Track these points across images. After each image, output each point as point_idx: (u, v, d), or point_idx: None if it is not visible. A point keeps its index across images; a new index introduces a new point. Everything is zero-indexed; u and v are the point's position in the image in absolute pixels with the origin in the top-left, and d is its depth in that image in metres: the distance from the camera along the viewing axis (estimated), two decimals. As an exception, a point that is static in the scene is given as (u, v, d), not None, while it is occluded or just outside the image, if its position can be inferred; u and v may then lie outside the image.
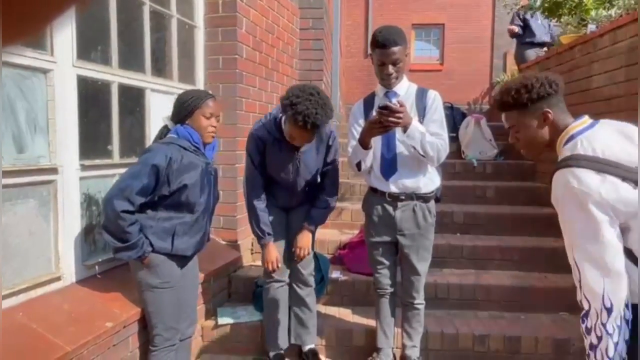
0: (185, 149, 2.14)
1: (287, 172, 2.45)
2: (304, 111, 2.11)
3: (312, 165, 2.50)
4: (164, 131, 2.26)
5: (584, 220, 1.39)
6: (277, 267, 2.56)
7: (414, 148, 2.27)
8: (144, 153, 2.15)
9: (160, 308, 2.16)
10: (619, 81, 2.98)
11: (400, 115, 2.12)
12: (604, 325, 1.38)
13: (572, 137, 1.51)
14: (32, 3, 0.28)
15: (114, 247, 2.05)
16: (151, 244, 2.09)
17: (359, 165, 2.41)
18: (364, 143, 2.31)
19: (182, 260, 2.22)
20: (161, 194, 2.09)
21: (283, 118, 2.34)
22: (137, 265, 2.12)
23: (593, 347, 1.41)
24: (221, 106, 2.36)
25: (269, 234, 2.52)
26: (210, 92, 2.37)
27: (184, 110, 2.19)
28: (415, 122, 2.25)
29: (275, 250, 2.55)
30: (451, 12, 10.90)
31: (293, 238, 2.60)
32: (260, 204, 2.50)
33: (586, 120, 1.54)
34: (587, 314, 1.42)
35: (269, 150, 2.42)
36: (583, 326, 1.44)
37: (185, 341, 2.37)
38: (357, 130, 2.43)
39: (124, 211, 1.98)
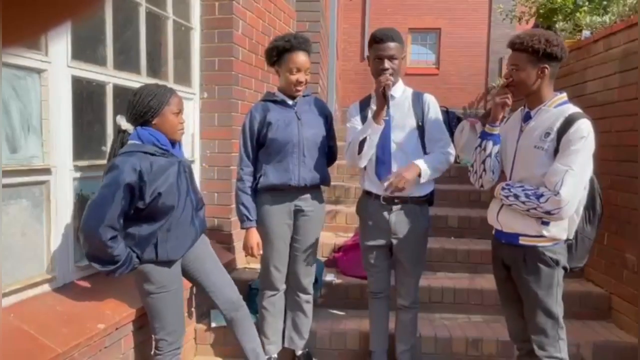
0: (152, 154, 2.02)
1: (292, 128, 2.45)
2: (287, 36, 2.45)
3: (313, 121, 2.51)
4: (122, 136, 2.09)
5: (588, 158, 1.87)
6: (259, 253, 2.52)
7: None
8: (109, 170, 1.98)
9: (160, 313, 2.12)
10: (613, 87, 3.00)
11: (404, 185, 2.24)
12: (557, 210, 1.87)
13: (566, 101, 1.98)
14: (30, 14, 0.28)
15: (105, 271, 1.99)
16: (138, 256, 2.05)
17: (362, 144, 2.31)
18: (377, 117, 2.27)
19: (173, 261, 2.17)
20: (136, 207, 2.02)
21: (278, 76, 2.53)
22: (133, 274, 2.09)
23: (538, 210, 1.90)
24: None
25: (248, 217, 2.47)
26: (166, 85, 2.21)
27: (151, 109, 2.05)
28: (422, 168, 2.30)
29: (257, 236, 2.50)
30: (448, 17, 10.96)
31: (299, 247, 2.58)
32: (242, 185, 2.49)
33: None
34: (548, 199, 1.86)
35: (272, 114, 2.46)
36: (544, 205, 1.86)
37: (240, 312, 2.38)
38: (353, 125, 2.47)
39: (111, 238, 1.92)
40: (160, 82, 2.25)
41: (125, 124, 2.08)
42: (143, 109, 2.06)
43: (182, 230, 2.15)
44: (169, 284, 2.13)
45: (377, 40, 2.32)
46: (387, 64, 2.31)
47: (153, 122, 2.08)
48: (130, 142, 2.05)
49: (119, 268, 1.98)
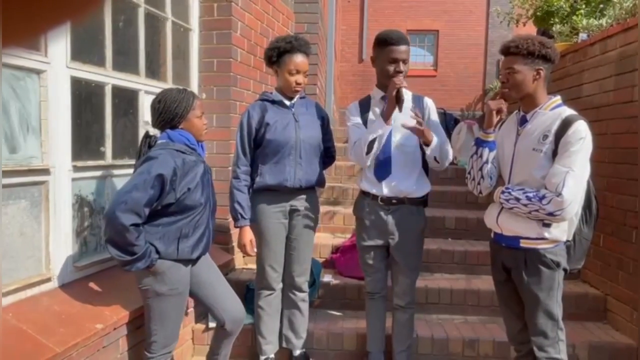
0: (183, 152, 2.10)
1: (290, 130, 2.47)
2: (288, 38, 2.47)
3: (310, 123, 2.54)
4: (149, 140, 2.16)
5: (586, 159, 1.89)
6: (254, 250, 2.52)
7: (435, 158, 2.36)
8: (145, 161, 2.03)
9: (165, 315, 2.10)
10: (609, 90, 3.02)
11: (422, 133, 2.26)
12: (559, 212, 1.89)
13: (561, 104, 2.00)
14: (30, 15, 0.29)
15: (121, 261, 1.96)
16: (157, 251, 2.03)
17: (371, 144, 2.33)
18: (388, 117, 2.29)
19: (189, 262, 2.17)
20: (166, 203, 2.03)
21: (275, 77, 2.55)
22: (143, 273, 2.05)
23: (541, 212, 1.91)
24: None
25: (242, 216, 2.47)
26: (186, 89, 2.28)
27: (177, 115, 2.13)
28: (433, 136, 2.32)
29: (250, 233, 2.51)
30: (446, 18, 10.99)
31: (294, 246, 2.60)
32: (237, 183, 2.49)
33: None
34: (550, 201, 1.88)
35: (270, 115, 2.48)
36: (546, 206, 1.88)
37: (239, 327, 2.38)
38: (354, 124, 2.49)
39: (132, 225, 1.91)
40: (181, 87, 2.30)
41: (153, 130, 2.16)
42: (170, 115, 2.12)
43: (202, 230, 2.18)
44: (181, 285, 2.12)
45: (392, 42, 2.33)
46: (402, 66, 2.34)
47: (180, 127, 2.15)
48: (160, 142, 2.12)
49: (137, 261, 1.94)
